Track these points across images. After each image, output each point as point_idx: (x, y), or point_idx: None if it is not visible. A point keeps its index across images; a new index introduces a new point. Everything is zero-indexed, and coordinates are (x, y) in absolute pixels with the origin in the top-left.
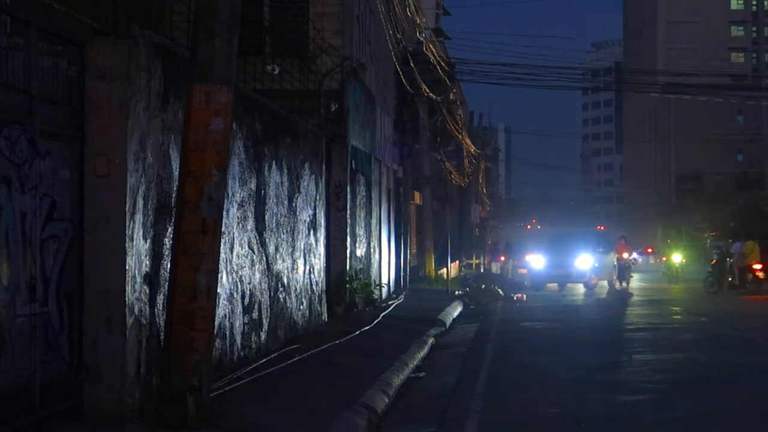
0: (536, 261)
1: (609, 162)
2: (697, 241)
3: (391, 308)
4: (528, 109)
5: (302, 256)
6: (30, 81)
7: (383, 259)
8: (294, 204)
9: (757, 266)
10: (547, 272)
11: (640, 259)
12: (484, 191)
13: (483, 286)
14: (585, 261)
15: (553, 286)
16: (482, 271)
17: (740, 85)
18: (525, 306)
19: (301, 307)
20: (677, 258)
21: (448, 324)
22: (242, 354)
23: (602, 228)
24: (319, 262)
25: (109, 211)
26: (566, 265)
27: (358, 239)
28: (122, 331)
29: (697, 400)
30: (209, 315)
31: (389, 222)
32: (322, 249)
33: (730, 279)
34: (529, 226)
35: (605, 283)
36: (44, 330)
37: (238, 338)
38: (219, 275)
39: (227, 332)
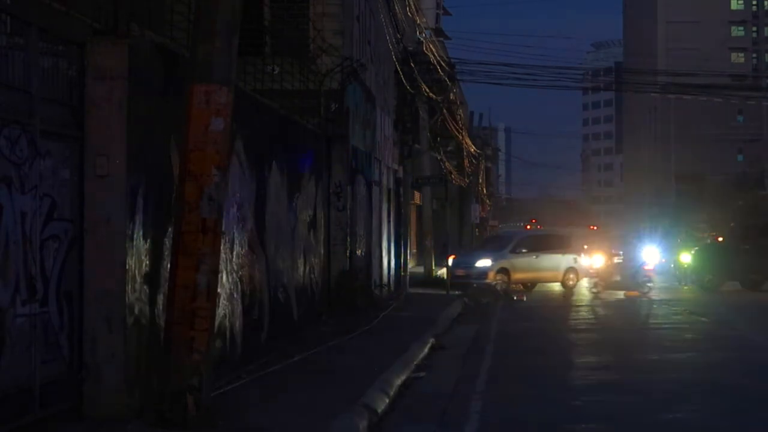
0: (450, 260)
1: (609, 162)
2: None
3: (391, 308)
4: (528, 109)
5: (302, 256)
6: (30, 81)
7: (383, 259)
8: (294, 204)
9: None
10: (453, 270)
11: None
12: (484, 191)
13: (483, 286)
14: (484, 261)
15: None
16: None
17: (740, 85)
18: (525, 306)
19: (301, 307)
20: (686, 258)
21: (448, 324)
22: (242, 354)
23: (594, 228)
24: (319, 262)
25: (109, 211)
26: (469, 264)
27: (358, 239)
28: (122, 331)
29: (698, 400)
30: (209, 315)
31: (389, 222)
32: (322, 249)
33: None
34: (528, 226)
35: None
36: (44, 330)
37: (238, 338)
38: (219, 275)
39: (227, 332)
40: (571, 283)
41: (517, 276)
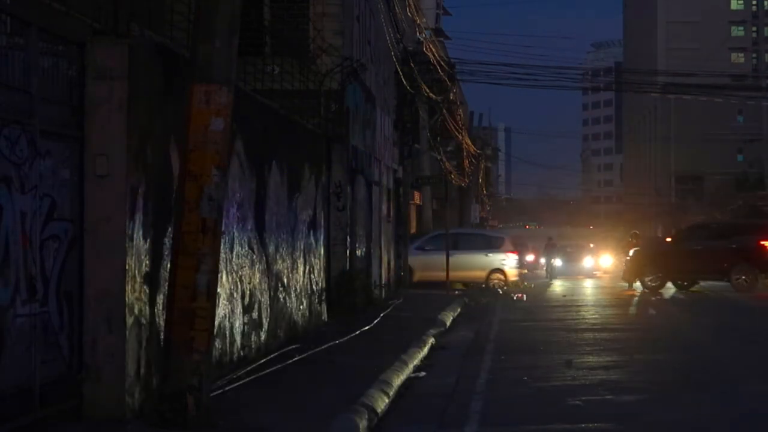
0: None
1: (609, 162)
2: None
3: (391, 308)
4: (528, 109)
5: (302, 256)
6: (30, 81)
7: (383, 259)
8: (294, 204)
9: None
10: None
11: None
12: (484, 191)
13: (483, 285)
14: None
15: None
16: None
17: (740, 85)
18: (525, 306)
19: (301, 307)
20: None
21: (447, 324)
22: (242, 354)
23: (591, 228)
24: (319, 262)
25: (109, 211)
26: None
27: (358, 239)
28: (122, 331)
29: (698, 401)
30: (209, 315)
31: (389, 222)
32: (322, 249)
33: None
34: (528, 226)
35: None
36: (44, 330)
37: (238, 338)
38: (219, 275)
39: (227, 332)
40: (496, 285)
41: (422, 274)
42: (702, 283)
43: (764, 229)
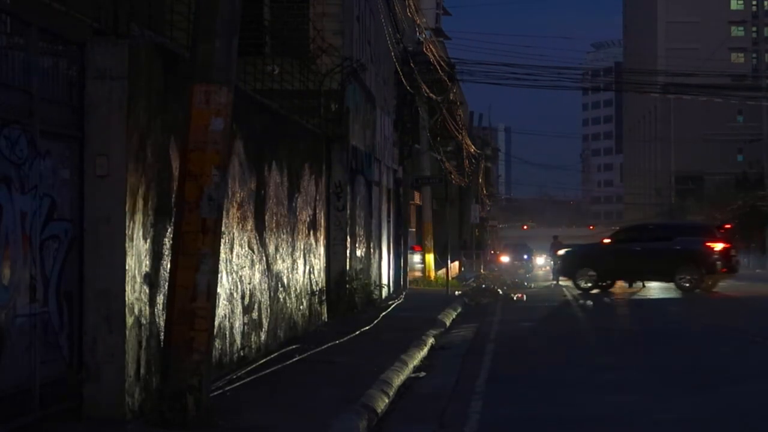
0: None
1: (609, 162)
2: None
3: (390, 308)
4: (528, 109)
5: (302, 256)
6: (30, 81)
7: (383, 259)
8: (294, 204)
9: None
10: None
11: None
12: (484, 191)
13: (483, 285)
14: None
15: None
16: (481, 271)
17: (740, 85)
18: (525, 306)
19: (301, 307)
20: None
21: (447, 324)
22: (242, 354)
23: (592, 228)
24: (319, 262)
25: (109, 211)
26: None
27: (358, 239)
28: (122, 331)
29: (699, 400)
30: (209, 315)
31: (389, 222)
32: (322, 249)
33: None
34: (526, 227)
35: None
36: (44, 330)
37: (238, 338)
38: (219, 275)
39: (227, 332)
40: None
41: None
42: (619, 284)
43: (706, 231)
